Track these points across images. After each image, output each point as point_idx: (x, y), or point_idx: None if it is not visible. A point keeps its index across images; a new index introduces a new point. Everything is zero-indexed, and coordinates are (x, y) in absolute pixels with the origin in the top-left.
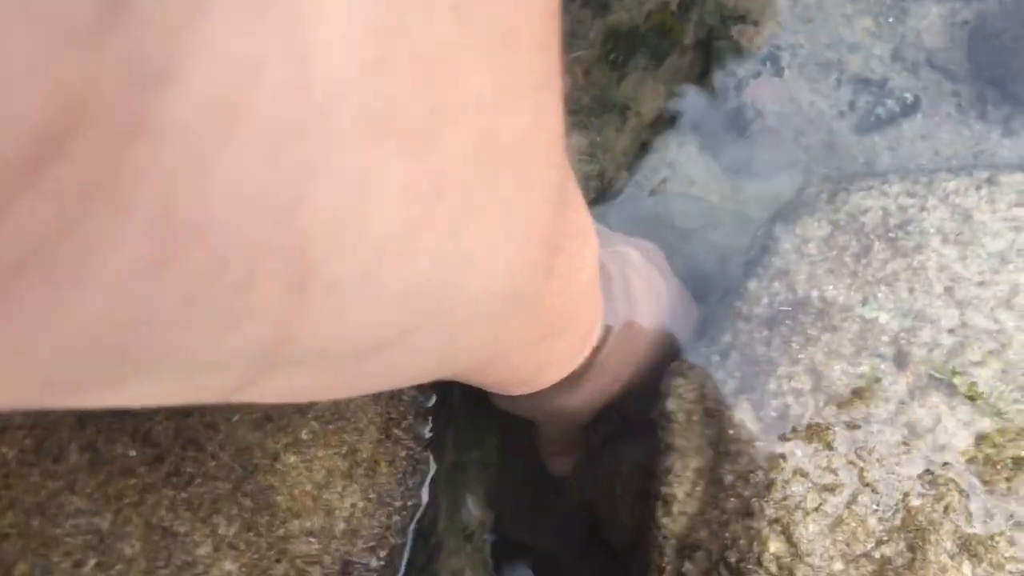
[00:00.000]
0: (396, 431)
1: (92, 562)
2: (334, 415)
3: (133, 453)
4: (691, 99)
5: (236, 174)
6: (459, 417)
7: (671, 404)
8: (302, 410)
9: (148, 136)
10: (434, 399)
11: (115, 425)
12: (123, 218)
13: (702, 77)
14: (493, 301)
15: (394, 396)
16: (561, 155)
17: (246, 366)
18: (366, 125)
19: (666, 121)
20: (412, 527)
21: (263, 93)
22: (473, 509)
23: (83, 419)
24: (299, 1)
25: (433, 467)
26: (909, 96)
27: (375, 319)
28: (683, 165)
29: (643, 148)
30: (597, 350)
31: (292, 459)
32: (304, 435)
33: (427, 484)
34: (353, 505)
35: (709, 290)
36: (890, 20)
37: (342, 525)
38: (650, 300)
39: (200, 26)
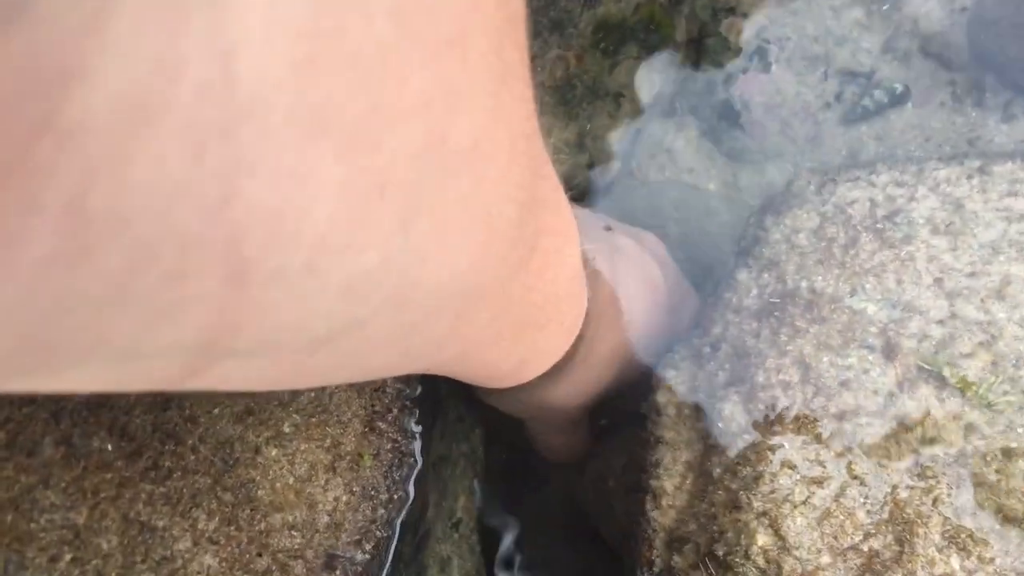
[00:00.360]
0: (380, 424)
1: (68, 557)
2: (317, 408)
3: (110, 447)
4: (685, 89)
5: (156, 168)
6: (446, 409)
7: (661, 397)
8: (284, 403)
9: (56, 131)
10: (420, 391)
11: (91, 419)
12: (35, 210)
13: (694, 71)
14: (452, 296)
15: (378, 389)
16: (528, 154)
17: (188, 355)
18: (299, 123)
19: (662, 107)
20: (400, 520)
21: (182, 92)
22: (461, 499)
23: (58, 413)
24: (222, 4)
25: (420, 461)
26: (899, 86)
27: (323, 310)
28: (680, 151)
29: (638, 135)
30: (581, 341)
31: (274, 452)
32: (286, 428)
33: (414, 477)
34: (336, 499)
35: (705, 279)
36: (884, 8)
37: (325, 519)
38: (643, 292)
39: (109, 27)
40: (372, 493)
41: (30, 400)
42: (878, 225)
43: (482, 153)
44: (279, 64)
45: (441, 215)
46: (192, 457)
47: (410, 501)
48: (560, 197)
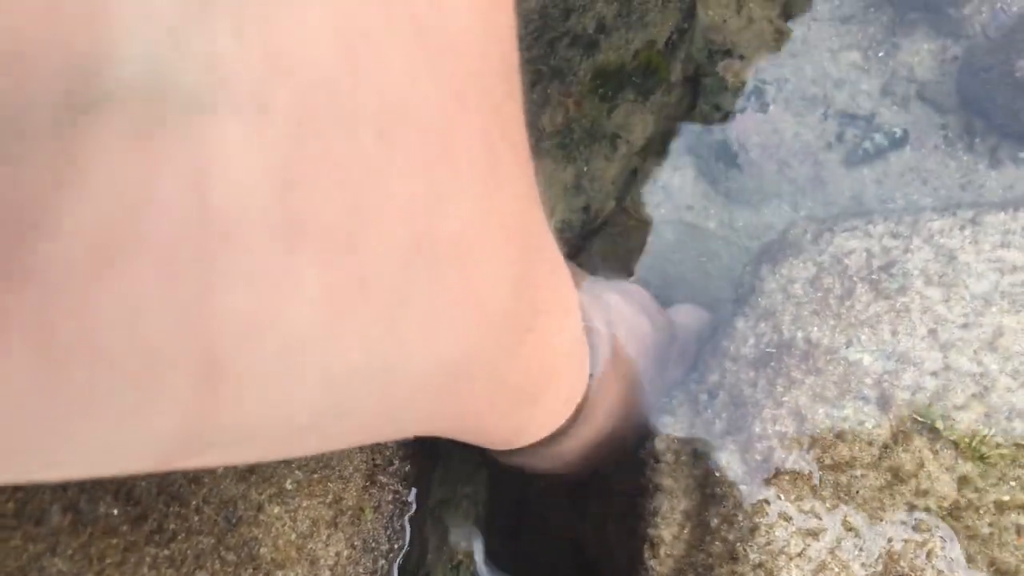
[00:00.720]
0: (381, 477)
1: None
2: (319, 464)
3: (116, 512)
4: (681, 130)
5: (124, 296)
6: (450, 452)
7: (659, 444)
8: (287, 460)
9: (19, 280)
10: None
11: (97, 484)
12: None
13: (690, 111)
14: (438, 379)
15: (379, 442)
16: (522, 238)
17: (162, 450)
18: (279, 236)
19: (658, 148)
20: (397, 565)
21: (154, 228)
22: (461, 541)
23: (65, 481)
24: (198, 143)
25: (414, 506)
26: (898, 130)
27: (302, 403)
28: (678, 190)
29: (634, 175)
30: (582, 406)
31: (276, 510)
32: (288, 485)
33: (411, 521)
34: (338, 554)
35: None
36: (880, 54)
37: (327, 574)
38: (635, 346)
39: (79, 177)
40: (373, 545)
41: None
42: (873, 276)
43: (470, 248)
44: (258, 189)
45: (427, 309)
46: (196, 518)
47: (406, 546)
48: (559, 271)
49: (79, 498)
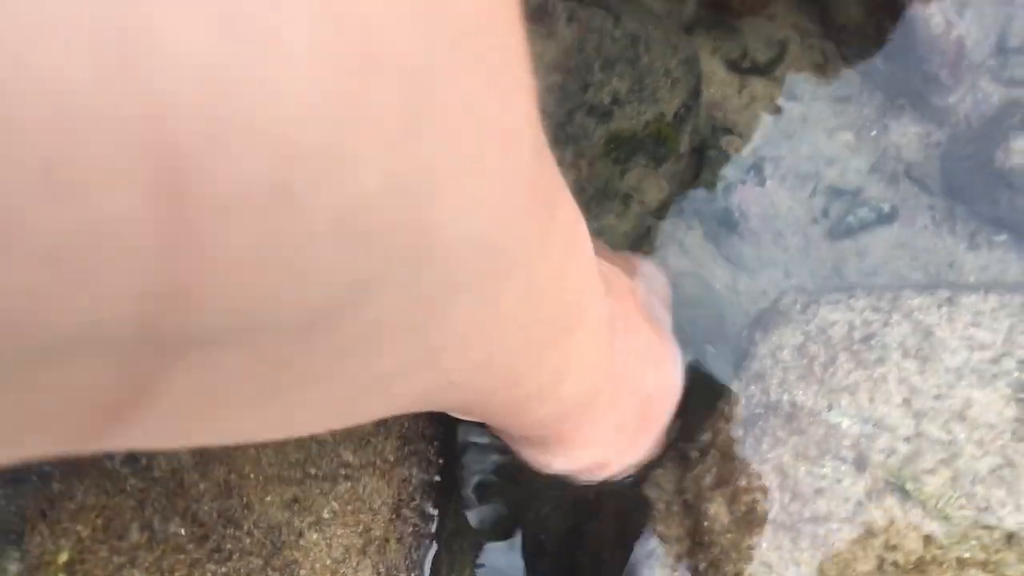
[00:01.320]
0: (405, 511)
1: None
2: (352, 497)
3: (183, 531)
4: (690, 196)
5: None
6: (460, 492)
7: (652, 492)
8: (324, 492)
9: None
10: (442, 463)
11: (168, 506)
12: None
13: (696, 179)
14: (476, 255)
15: (405, 480)
16: (530, 82)
17: (129, 348)
18: None
19: (673, 210)
20: None
21: None
22: (467, 570)
23: (143, 501)
24: None
25: (434, 547)
26: (886, 206)
27: (312, 264)
28: (692, 249)
29: (648, 232)
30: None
31: (314, 536)
32: (326, 514)
33: (430, 558)
34: None
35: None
36: (872, 134)
37: None
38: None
39: None
40: (394, 573)
41: (120, 489)
42: (855, 347)
43: (489, 36)
44: None
45: (453, 118)
46: (248, 540)
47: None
48: (566, 189)
49: (153, 518)
